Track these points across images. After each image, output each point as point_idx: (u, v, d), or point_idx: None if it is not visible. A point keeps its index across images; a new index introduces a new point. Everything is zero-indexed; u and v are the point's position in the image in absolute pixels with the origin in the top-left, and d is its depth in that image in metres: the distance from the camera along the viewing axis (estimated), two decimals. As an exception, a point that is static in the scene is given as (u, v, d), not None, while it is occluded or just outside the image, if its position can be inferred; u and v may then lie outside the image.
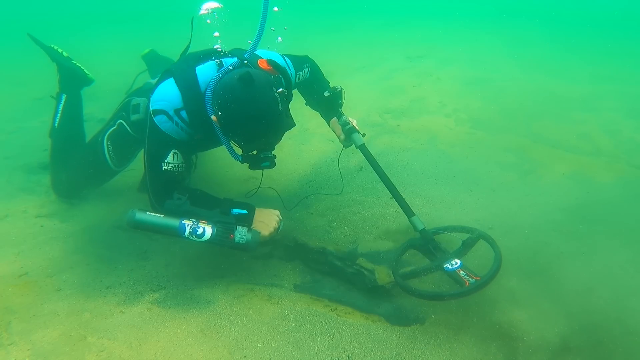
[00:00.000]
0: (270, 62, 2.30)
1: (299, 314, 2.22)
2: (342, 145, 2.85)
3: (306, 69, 2.77)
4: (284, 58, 2.59)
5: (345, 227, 2.85)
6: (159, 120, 2.18)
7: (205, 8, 2.50)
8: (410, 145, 4.01)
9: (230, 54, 2.40)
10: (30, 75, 6.46)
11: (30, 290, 2.29)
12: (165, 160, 2.20)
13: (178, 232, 2.08)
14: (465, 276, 2.18)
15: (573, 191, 3.29)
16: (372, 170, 2.62)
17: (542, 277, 2.41)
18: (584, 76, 6.26)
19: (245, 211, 2.24)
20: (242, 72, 1.92)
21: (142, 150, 2.39)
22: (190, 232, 2.09)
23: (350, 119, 2.74)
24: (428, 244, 2.41)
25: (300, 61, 2.74)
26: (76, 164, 2.97)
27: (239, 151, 2.23)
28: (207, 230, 2.10)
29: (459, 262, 2.25)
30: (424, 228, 2.44)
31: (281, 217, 2.36)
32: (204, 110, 2.12)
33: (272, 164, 2.23)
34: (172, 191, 2.22)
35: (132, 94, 2.87)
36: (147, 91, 2.63)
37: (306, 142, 3.80)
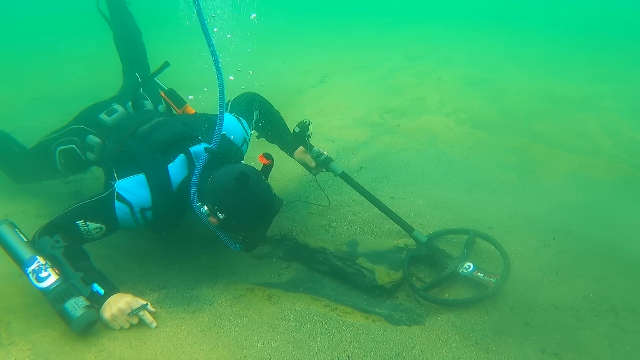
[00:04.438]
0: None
1: (299, 314, 2.22)
2: (311, 174, 2.95)
3: (255, 112, 2.81)
4: (238, 120, 2.57)
5: (345, 227, 2.84)
6: (119, 207, 2.14)
7: None
8: (410, 145, 4.01)
9: (198, 135, 2.34)
10: (30, 75, 6.45)
11: (30, 290, 2.28)
12: (87, 224, 2.12)
13: (23, 264, 1.98)
14: (485, 277, 2.22)
15: (573, 191, 3.30)
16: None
17: (542, 277, 2.41)
18: (584, 76, 6.26)
19: (102, 292, 2.05)
20: (238, 174, 1.98)
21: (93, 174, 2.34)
22: (33, 270, 1.95)
23: (321, 150, 2.78)
24: (436, 253, 2.43)
25: (248, 109, 2.76)
26: (28, 158, 3.00)
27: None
28: (50, 279, 1.95)
29: (471, 265, 2.28)
30: (428, 240, 2.46)
31: (141, 303, 2.09)
32: (171, 209, 2.23)
33: (264, 239, 2.35)
34: (57, 233, 2.11)
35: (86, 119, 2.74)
36: (101, 127, 2.60)
37: (306, 142, 3.80)
